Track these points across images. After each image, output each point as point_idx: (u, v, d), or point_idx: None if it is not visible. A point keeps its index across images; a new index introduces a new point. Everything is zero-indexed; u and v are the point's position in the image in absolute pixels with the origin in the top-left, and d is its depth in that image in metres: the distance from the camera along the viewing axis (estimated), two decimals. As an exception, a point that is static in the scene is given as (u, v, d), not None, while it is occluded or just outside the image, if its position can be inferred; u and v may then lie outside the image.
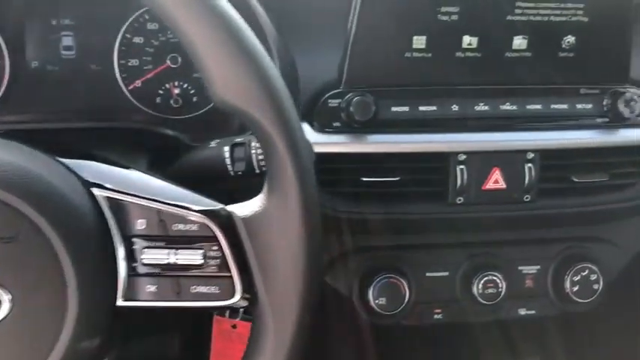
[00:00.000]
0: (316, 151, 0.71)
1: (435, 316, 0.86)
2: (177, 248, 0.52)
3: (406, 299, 0.82)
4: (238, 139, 0.66)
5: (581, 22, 0.76)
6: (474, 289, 0.83)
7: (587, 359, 1.01)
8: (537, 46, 0.77)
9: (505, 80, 0.78)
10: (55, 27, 0.80)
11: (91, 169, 0.54)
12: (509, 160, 0.79)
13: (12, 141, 0.53)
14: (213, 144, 0.68)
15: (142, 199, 0.52)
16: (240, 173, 0.66)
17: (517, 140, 0.79)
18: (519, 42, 0.76)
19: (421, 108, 0.78)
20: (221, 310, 0.80)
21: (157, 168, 0.72)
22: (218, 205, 0.54)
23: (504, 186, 0.79)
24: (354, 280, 0.83)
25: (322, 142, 0.76)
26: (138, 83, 0.82)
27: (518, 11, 0.75)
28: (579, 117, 0.80)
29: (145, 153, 0.75)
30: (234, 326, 0.82)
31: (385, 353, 0.92)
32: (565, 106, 0.80)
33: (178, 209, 0.52)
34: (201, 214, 0.52)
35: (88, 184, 0.52)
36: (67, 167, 0.53)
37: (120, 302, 0.52)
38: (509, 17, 0.75)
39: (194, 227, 0.52)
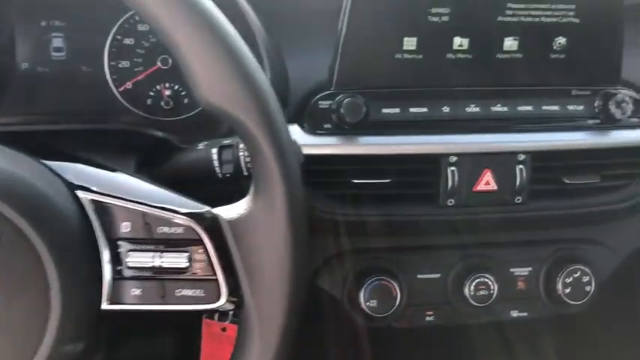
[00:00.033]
0: (307, 153, 0.71)
1: (427, 319, 0.86)
2: (162, 251, 0.52)
3: (397, 301, 0.81)
4: (226, 141, 0.66)
5: (572, 23, 0.76)
6: (466, 291, 0.82)
7: (581, 361, 1.01)
8: (528, 48, 0.76)
9: (496, 81, 0.78)
10: (45, 28, 0.80)
11: (75, 171, 0.54)
12: (501, 161, 0.78)
13: None
14: (201, 146, 0.68)
15: (127, 202, 0.52)
16: (228, 175, 0.66)
17: (508, 142, 0.78)
18: (510, 43, 0.76)
19: (412, 109, 0.77)
20: (210, 313, 0.80)
21: (145, 170, 0.72)
22: (204, 208, 0.53)
23: (495, 188, 0.78)
24: (345, 283, 0.83)
25: (313, 143, 0.75)
26: (129, 85, 0.82)
27: (509, 12, 0.75)
28: (570, 118, 0.80)
29: (134, 155, 0.75)
30: (223, 329, 0.82)
31: (378, 355, 0.92)
32: (556, 108, 0.79)
33: (163, 212, 0.52)
34: (187, 216, 0.52)
35: (72, 187, 0.52)
36: (51, 170, 0.52)
37: (105, 306, 0.51)
38: (500, 18, 0.75)
39: (179, 230, 0.52)
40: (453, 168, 0.77)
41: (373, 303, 0.81)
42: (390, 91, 0.77)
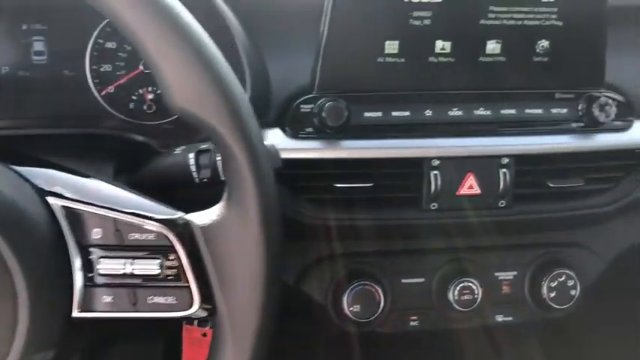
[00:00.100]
0: (288, 157, 0.71)
1: (411, 324, 0.85)
2: (133, 258, 0.51)
3: (381, 306, 0.81)
4: (203, 146, 0.66)
5: (555, 26, 0.75)
6: (450, 296, 0.82)
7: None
8: (511, 51, 0.76)
9: (479, 85, 0.77)
10: (25, 32, 0.79)
11: (46, 177, 0.53)
12: (484, 165, 0.78)
13: None
14: (178, 150, 0.67)
15: (98, 208, 0.52)
16: (205, 180, 0.65)
17: (491, 145, 0.78)
18: (493, 46, 0.76)
19: (394, 113, 0.77)
20: (189, 320, 0.80)
21: (124, 175, 0.71)
22: (176, 214, 0.53)
23: (479, 191, 0.78)
24: (329, 288, 0.83)
25: (294, 147, 0.75)
26: (111, 89, 0.81)
27: (491, 15, 0.74)
28: (554, 122, 0.79)
29: (113, 159, 0.74)
30: (204, 334, 0.81)
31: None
32: (540, 111, 0.79)
33: (135, 218, 0.52)
34: (159, 222, 0.52)
35: (43, 193, 0.52)
36: (21, 175, 0.52)
37: (75, 313, 0.51)
38: (482, 21, 0.74)
39: (151, 237, 0.52)
40: (435, 172, 0.77)
41: (356, 308, 0.80)
42: (372, 94, 0.76)
